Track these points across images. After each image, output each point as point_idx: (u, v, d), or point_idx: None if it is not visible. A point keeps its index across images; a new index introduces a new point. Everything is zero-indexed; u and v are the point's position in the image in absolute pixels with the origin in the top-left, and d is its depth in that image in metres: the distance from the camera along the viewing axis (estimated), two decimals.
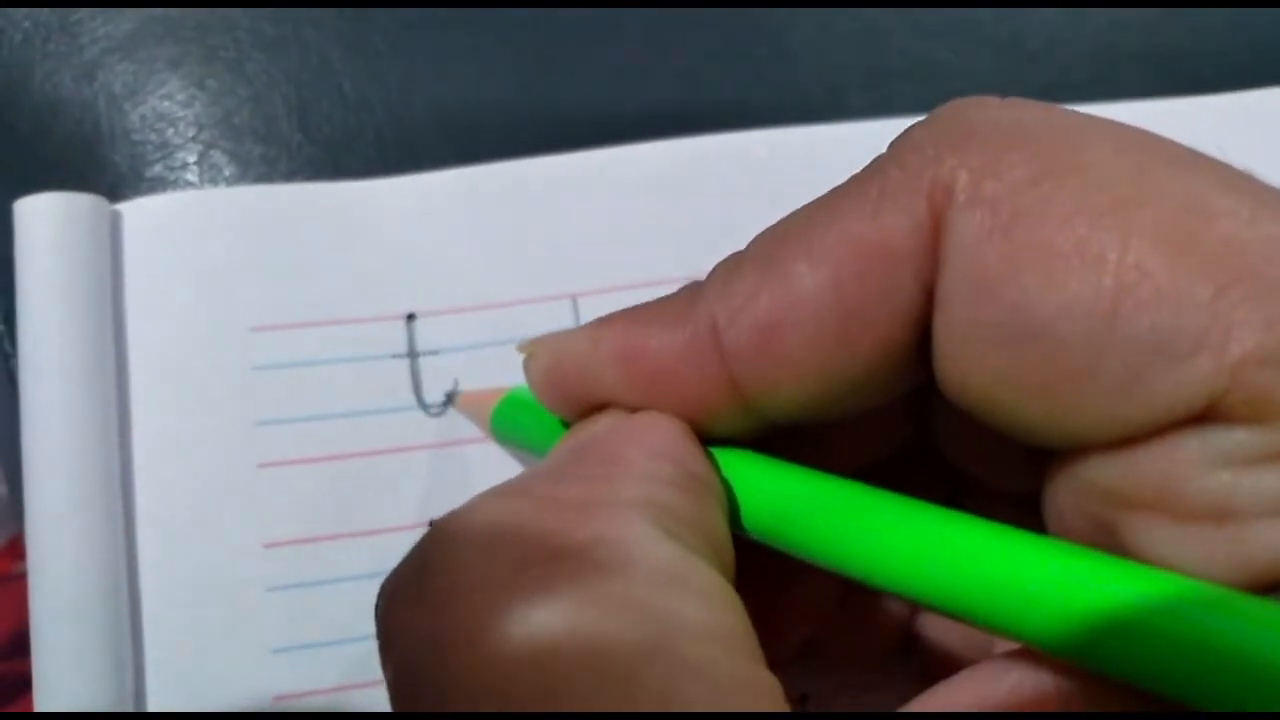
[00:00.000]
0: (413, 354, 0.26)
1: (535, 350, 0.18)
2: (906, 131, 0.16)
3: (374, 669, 0.24)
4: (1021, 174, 0.14)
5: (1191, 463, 0.13)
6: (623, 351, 0.16)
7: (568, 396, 0.18)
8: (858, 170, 0.16)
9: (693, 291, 0.16)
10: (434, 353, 0.26)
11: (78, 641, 0.22)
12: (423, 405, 0.26)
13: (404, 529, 0.25)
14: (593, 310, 0.27)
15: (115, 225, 0.26)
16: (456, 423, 0.26)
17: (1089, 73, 0.33)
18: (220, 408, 0.25)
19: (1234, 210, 0.13)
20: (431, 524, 0.23)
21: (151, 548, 0.24)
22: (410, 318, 0.27)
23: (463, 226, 0.27)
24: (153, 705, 0.23)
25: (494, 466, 0.26)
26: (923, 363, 0.15)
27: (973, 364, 0.14)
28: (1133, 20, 0.33)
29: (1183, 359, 0.12)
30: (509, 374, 0.26)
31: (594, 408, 0.18)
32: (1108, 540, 0.14)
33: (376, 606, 0.15)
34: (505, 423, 0.23)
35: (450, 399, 0.26)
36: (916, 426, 0.19)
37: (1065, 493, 0.15)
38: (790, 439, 0.17)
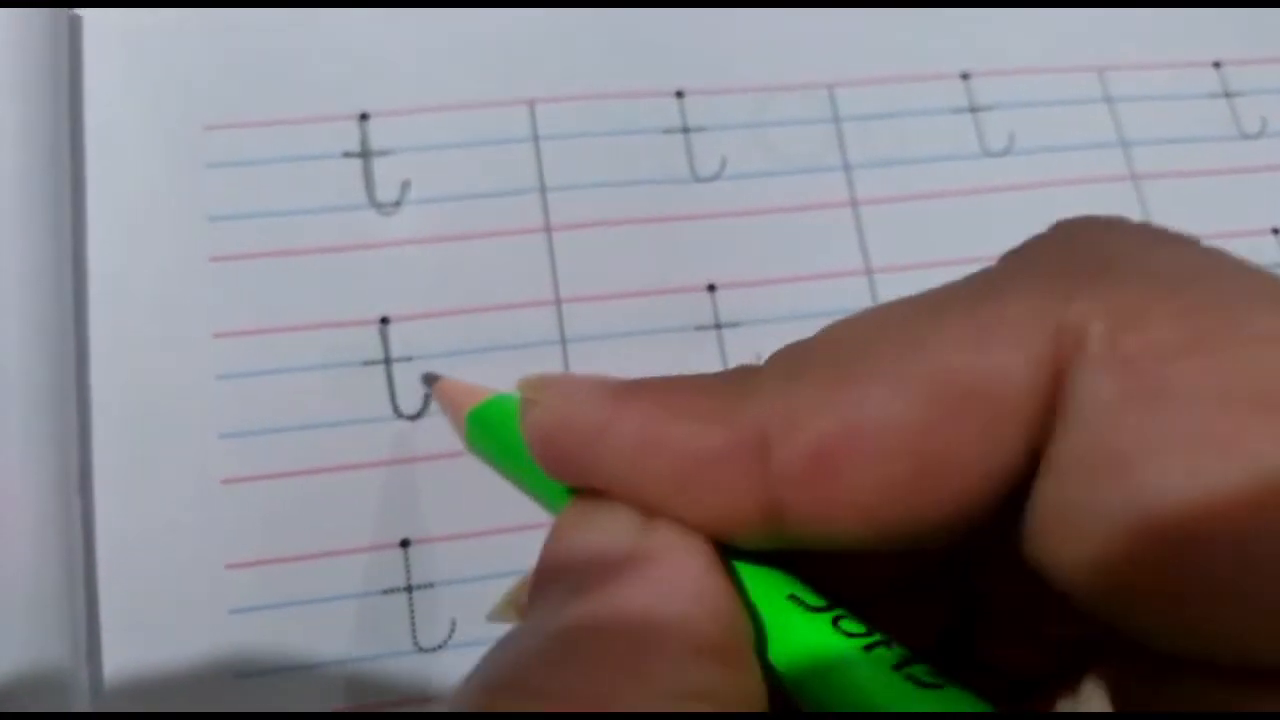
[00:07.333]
0: (365, 153, 0.26)
1: (538, 398, 0.15)
2: (1026, 248, 0.13)
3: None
4: (1171, 335, 0.11)
5: None
6: (646, 440, 0.14)
7: (570, 471, 0.15)
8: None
9: (744, 380, 0.13)
10: (387, 152, 0.26)
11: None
12: (375, 204, 0.26)
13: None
14: (550, 121, 0.27)
15: (75, 32, 0.26)
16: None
17: None
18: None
19: None
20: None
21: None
22: (363, 117, 0.26)
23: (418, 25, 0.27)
24: None
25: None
26: (1001, 520, 0.13)
27: (1084, 546, 0.12)
28: None
29: None
30: (466, 180, 0.26)
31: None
32: None
33: None
34: (484, 432, 0.20)
35: (428, 382, 0.24)
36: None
37: (1160, 690, 0.13)
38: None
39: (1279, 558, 0.10)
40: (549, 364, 0.25)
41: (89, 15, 0.26)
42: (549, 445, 0.15)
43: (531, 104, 0.27)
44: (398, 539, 0.24)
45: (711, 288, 0.26)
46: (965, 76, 0.29)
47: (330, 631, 0.23)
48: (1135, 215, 0.29)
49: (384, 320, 0.25)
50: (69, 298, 0.24)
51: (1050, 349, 0.12)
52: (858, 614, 0.14)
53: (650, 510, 0.14)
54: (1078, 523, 0.12)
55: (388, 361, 0.25)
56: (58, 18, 0.25)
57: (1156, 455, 0.11)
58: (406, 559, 0.24)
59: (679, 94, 0.27)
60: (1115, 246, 0.12)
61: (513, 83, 0.27)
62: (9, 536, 0.22)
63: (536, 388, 0.15)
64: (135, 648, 0.22)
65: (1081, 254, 0.12)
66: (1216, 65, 0.30)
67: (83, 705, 0.21)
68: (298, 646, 0.23)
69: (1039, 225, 0.29)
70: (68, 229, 0.24)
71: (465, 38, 0.27)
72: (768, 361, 0.14)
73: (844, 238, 0.27)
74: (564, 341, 0.25)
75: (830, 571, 0.14)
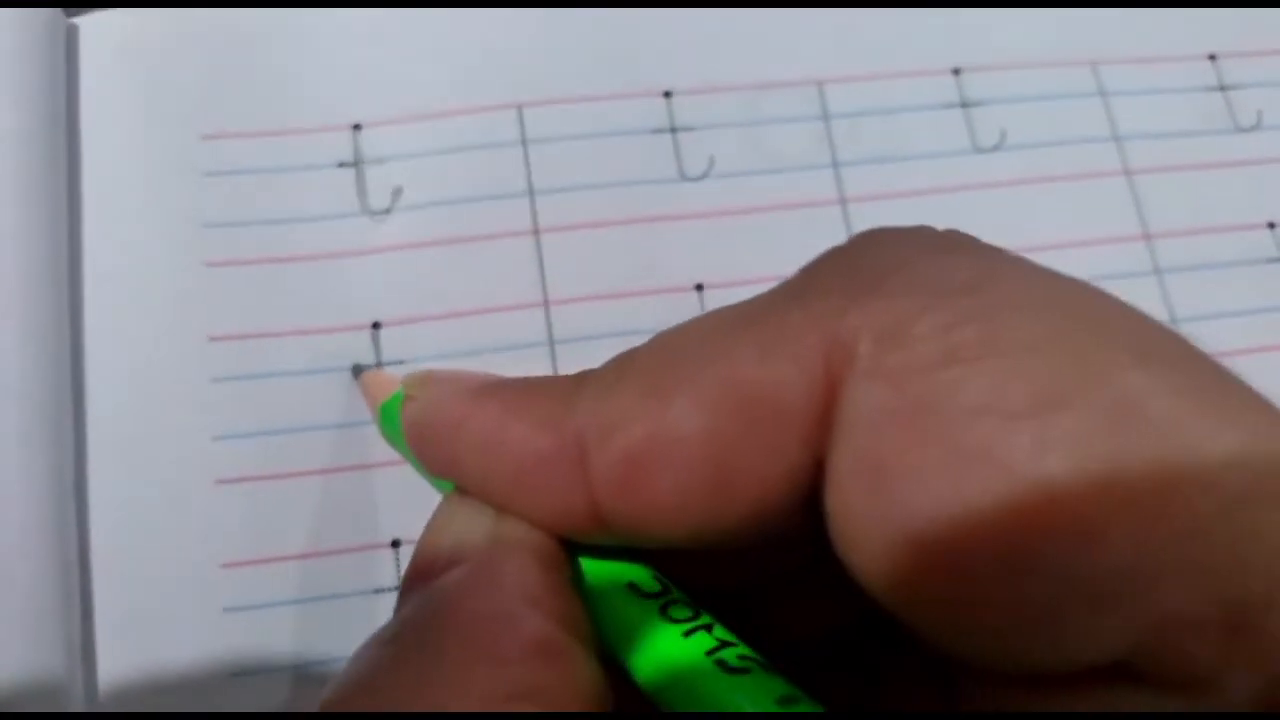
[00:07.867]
0: (358, 162, 0.26)
1: (415, 394, 0.16)
2: (819, 260, 0.14)
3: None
4: (932, 349, 0.11)
5: None
6: (490, 440, 0.14)
7: (434, 463, 0.16)
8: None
9: (575, 386, 0.14)
10: (380, 161, 0.26)
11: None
12: (368, 211, 0.26)
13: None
14: (538, 124, 0.27)
15: (71, 40, 0.26)
16: None
17: None
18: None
19: (1175, 420, 0.10)
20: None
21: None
22: (356, 127, 0.27)
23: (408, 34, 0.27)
24: None
25: None
26: (813, 517, 0.13)
27: (866, 554, 0.12)
28: None
29: (1096, 606, 0.10)
30: (456, 185, 0.26)
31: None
32: None
33: None
34: (390, 426, 0.20)
35: (356, 371, 0.25)
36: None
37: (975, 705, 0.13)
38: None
39: (1036, 566, 0.11)
40: (539, 366, 0.25)
41: (85, 23, 0.27)
42: (419, 440, 0.16)
43: (520, 108, 0.27)
44: (389, 539, 0.24)
45: (700, 287, 0.26)
46: (956, 72, 0.29)
47: (323, 631, 0.23)
48: (1129, 211, 0.28)
49: (376, 325, 0.25)
50: (65, 302, 0.24)
51: (823, 363, 0.12)
52: (699, 602, 0.14)
53: (499, 507, 0.15)
54: (858, 533, 0.12)
55: (379, 366, 0.25)
56: (55, 25, 0.26)
57: (917, 469, 0.11)
58: (398, 559, 0.24)
59: (667, 94, 0.27)
60: (895, 258, 0.13)
61: (501, 87, 0.27)
62: (4, 537, 0.22)
63: (418, 384, 0.16)
64: (130, 647, 0.23)
65: (862, 266, 0.13)
66: (1212, 58, 0.30)
67: (77, 705, 0.22)
68: (291, 646, 0.23)
69: (1031, 221, 0.29)
70: (64, 235, 0.25)
71: (454, 44, 0.27)
72: (601, 367, 0.14)
73: (833, 236, 0.26)
74: (552, 343, 0.25)
75: (709, 567, 0.15)
